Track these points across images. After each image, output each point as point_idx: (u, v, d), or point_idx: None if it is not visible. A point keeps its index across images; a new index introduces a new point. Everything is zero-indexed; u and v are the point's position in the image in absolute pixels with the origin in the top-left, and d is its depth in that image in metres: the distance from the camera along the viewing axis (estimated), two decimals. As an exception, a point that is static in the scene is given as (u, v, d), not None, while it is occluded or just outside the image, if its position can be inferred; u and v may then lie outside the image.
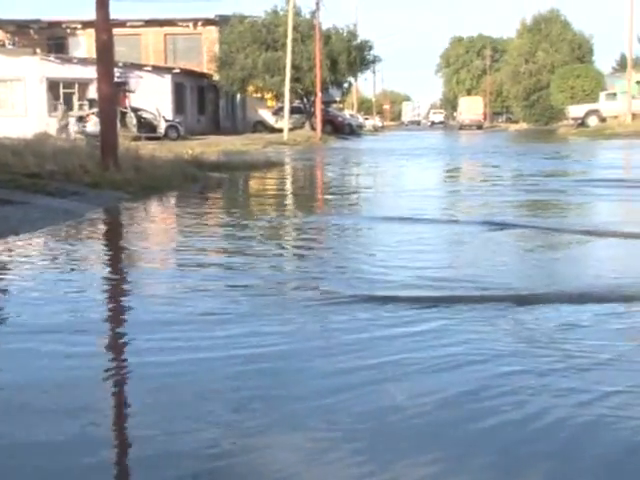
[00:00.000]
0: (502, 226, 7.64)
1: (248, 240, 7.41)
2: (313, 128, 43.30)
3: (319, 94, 42.43)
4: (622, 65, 62.30)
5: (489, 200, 10.61)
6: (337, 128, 48.02)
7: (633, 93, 47.23)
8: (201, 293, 4.98)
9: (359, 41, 48.52)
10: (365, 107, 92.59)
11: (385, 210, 9.65)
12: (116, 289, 5.42)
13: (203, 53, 47.37)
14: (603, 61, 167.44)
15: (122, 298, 5.15)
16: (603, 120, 45.97)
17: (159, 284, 5.50)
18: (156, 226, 9.23)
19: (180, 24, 47.08)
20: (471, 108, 69.98)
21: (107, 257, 6.89)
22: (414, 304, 4.47)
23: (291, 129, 39.22)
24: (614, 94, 49.61)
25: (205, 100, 45.89)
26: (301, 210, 10.18)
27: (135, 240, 7.87)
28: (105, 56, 12.84)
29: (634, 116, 43.58)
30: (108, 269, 6.26)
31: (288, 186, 14.40)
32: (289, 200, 12.18)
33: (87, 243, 7.58)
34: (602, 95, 50.15)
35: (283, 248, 7.29)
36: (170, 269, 6.29)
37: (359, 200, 11.55)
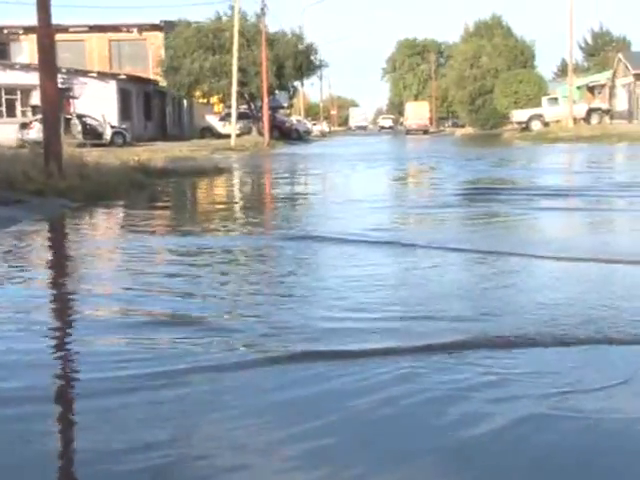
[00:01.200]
0: (441, 248, 6.71)
1: (184, 274, 6.05)
2: (260, 134, 43.27)
3: (266, 99, 42.44)
4: (563, 70, 63.66)
5: (434, 214, 9.54)
6: (285, 133, 48.09)
7: (574, 98, 48.26)
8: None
9: (305, 46, 48.66)
10: (312, 112, 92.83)
11: (329, 226, 8.63)
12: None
13: (149, 59, 47.03)
14: (545, 66, 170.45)
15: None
16: (546, 124, 46.86)
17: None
18: (86, 241, 8.35)
19: (125, 30, 46.67)
20: (417, 113, 70.67)
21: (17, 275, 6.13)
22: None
23: (238, 135, 39.14)
24: (556, 99, 50.63)
25: (152, 106, 45.52)
26: (247, 226, 9.08)
27: (53, 257, 7.17)
28: (48, 61, 12.67)
29: (575, 120, 44.51)
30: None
31: (235, 195, 13.96)
32: (234, 213, 11.19)
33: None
34: (544, 100, 51.13)
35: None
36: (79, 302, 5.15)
37: (306, 212, 10.76)
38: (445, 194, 11.82)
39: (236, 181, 17.32)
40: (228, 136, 38.38)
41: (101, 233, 9.32)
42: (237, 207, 12.15)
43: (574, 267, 5.93)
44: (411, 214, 9.95)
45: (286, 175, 19.06)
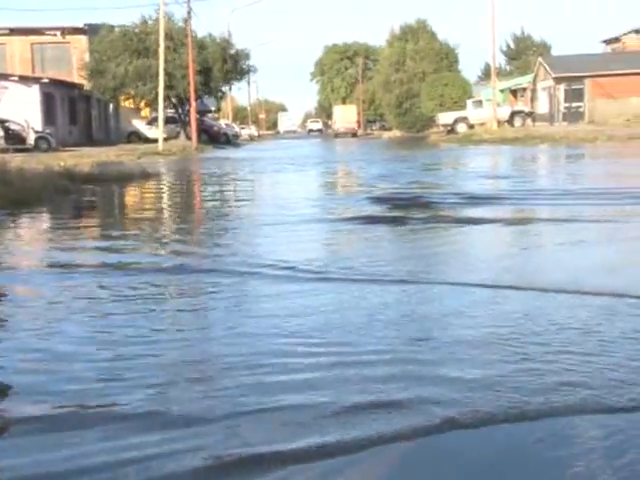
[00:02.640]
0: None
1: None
2: (188, 138, 43.02)
3: (193, 103, 42.22)
4: (487, 74, 64.97)
5: (356, 231, 8.32)
6: (213, 137, 47.90)
7: (498, 101, 49.34)
8: None
9: (233, 50, 48.57)
10: (241, 116, 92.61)
11: (252, 251, 7.27)
12: None
13: (73, 62, 46.23)
14: (469, 70, 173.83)
15: None
16: (471, 127, 47.75)
17: None
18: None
19: (47, 33, 45.76)
20: (345, 116, 71.20)
21: None
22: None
23: (166, 139, 38.83)
24: (480, 102, 51.67)
25: (77, 110, 44.76)
26: (163, 250, 7.57)
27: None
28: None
29: (499, 123, 45.50)
30: None
31: (160, 205, 13.18)
32: (156, 227, 9.56)
33: None
34: (469, 103, 52.11)
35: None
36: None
37: (230, 231, 8.92)
38: (371, 203, 10.91)
39: (162, 187, 16.82)
40: (156, 140, 38.04)
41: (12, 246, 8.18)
42: (158, 222, 10.53)
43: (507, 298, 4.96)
44: (336, 231, 8.58)
45: (214, 180, 18.92)
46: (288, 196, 12.70)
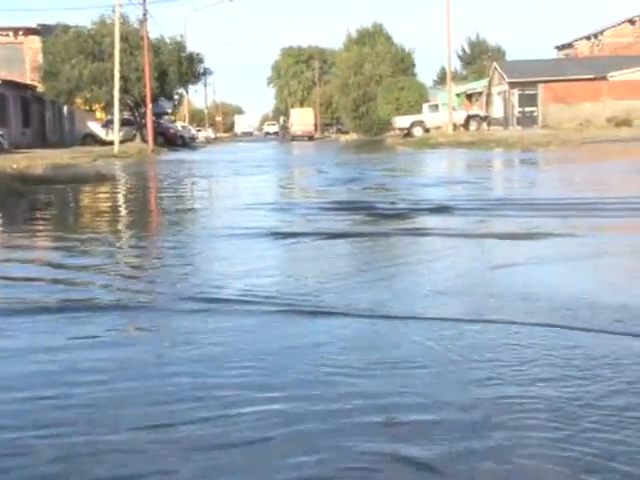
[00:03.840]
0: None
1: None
2: (144, 140, 42.69)
3: (149, 106, 41.91)
4: (443, 78, 65.55)
5: (315, 246, 7.52)
6: (169, 140, 47.57)
7: (453, 105, 49.82)
8: None
9: (189, 52, 48.36)
10: (197, 119, 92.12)
11: (205, 274, 6.19)
12: None
13: (26, 63, 45.56)
14: (425, 74, 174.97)
15: None
16: (427, 130, 48.17)
17: None
18: None
19: (0, 33, 45.08)
20: (302, 119, 71.27)
21: None
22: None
23: (122, 141, 38.51)
24: (436, 106, 52.12)
25: (30, 112, 44.13)
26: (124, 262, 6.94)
27: None
28: None
29: (455, 127, 45.96)
30: None
31: (111, 211, 12.58)
32: (100, 243, 8.23)
33: None
34: (425, 107, 52.54)
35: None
36: None
37: (185, 249, 7.77)
38: (324, 212, 10.13)
39: (115, 192, 16.32)
40: (111, 143, 37.70)
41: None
42: (138, 223, 10.32)
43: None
44: (286, 248, 7.60)
45: (167, 184, 18.55)
46: (240, 204, 11.75)
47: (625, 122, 42.71)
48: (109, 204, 13.90)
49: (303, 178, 19.63)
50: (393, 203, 10.77)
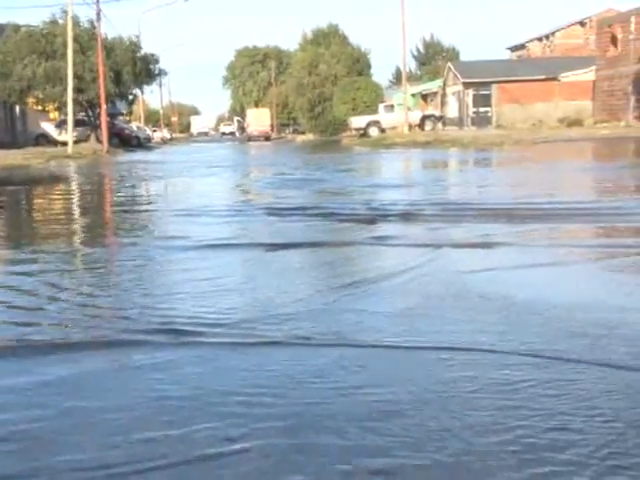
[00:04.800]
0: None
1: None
2: (99, 141, 42.30)
3: (104, 106, 41.52)
4: (398, 78, 66.04)
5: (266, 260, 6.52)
6: (124, 141, 47.19)
7: (409, 105, 50.21)
8: None
9: (144, 53, 48.03)
10: (153, 119, 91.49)
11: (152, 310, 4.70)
12: None
13: (-24, 63, 44.79)
14: (381, 74, 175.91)
15: None
16: (383, 130, 48.48)
17: None
18: None
19: (-51, 32, 44.30)
20: (259, 120, 71.18)
21: None
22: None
23: (76, 142, 38.09)
24: (392, 106, 52.50)
25: (-20, 112, 43.41)
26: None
27: None
28: None
29: (410, 127, 46.32)
30: None
31: (59, 216, 11.54)
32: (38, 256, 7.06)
33: None
34: (381, 107, 52.88)
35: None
36: None
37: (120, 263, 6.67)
38: (276, 220, 9.21)
39: (67, 194, 15.81)
40: (65, 143, 37.26)
41: None
42: (91, 227, 9.63)
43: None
44: (236, 261, 6.54)
45: (120, 186, 18.20)
46: (191, 208, 10.86)
47: (576, 122, 43.48)
48: (58, 207, 13.21)
49: (257, 180, 18.79)
50: (354, 209, 9.97)
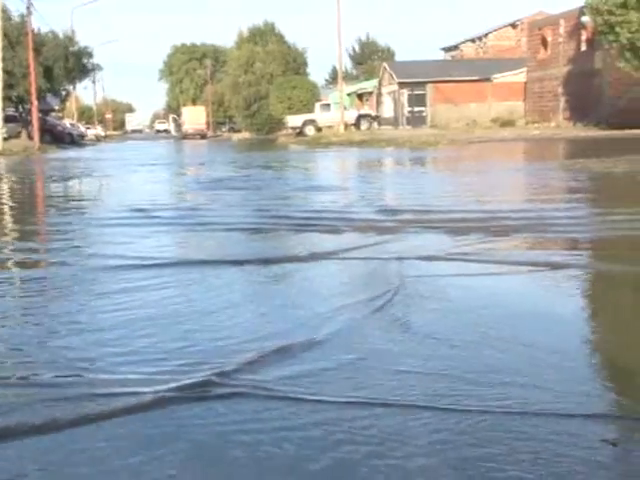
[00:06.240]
0: None
1: None
2: (31, 138, 41.45)
3: (35, 102, 40.71)
4: (334, 78, 66.31)
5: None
6: (57, 137, 46.35)
7: (345, 104, 50.51)
8: None
9: (77, 48, 47.24)
10: (86, 116, 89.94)
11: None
12: None
13: None
14: (317, 73, 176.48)
15: None
16: (319, 129, 48.65)
17: None
18: None
19: None
20: (194, 118, 70.70)
21: None
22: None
23: (6, 139, 37.26)
24: (328, 105, 52.73)
25: None
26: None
27: None
28: None
29: (346, 126, 46.60)
30: None
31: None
32: None
33: None
34: (317, 106, 53.05)
35: None
36: None
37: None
38: (216, 230, 8.21)
39: (16, 191, 15.34)
40: (-5, 140, 36.41)
41: None
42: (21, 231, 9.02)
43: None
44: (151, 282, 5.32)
45: (48, 185, 17.78)
46: (116, 216, 9.67)
47: (509, 122, 44.36)
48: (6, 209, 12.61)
49: (186, 183, 17.37)
50: (288, 217, 8.96)
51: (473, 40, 68.72)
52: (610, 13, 27.99)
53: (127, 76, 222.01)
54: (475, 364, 3.40)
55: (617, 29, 27.82)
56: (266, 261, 6.13)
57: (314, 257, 6.23)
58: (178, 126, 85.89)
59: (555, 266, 5.59)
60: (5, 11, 40.75)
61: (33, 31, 41.52)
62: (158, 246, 7.32)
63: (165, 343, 3.84)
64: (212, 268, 5.92)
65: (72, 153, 36.51)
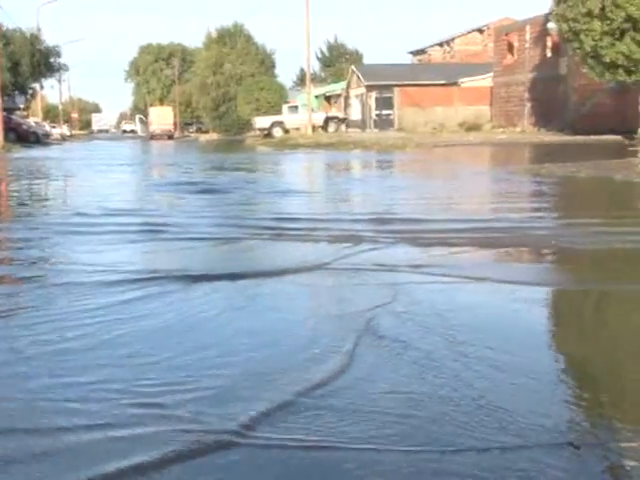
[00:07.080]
0: None
1: None
2: (-6, 136, 40.92)
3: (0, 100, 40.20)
4: (302, 79, 66.32)
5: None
6: (21, 136, 45.77)
7: (313, 106, 50.56)
8: None
9: (43, 46, 46.77)
10: (52, 115, 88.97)
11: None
12: None
13: None
14: (285, 75, 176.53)
15: None
16: (287, 131, 48.64)
17: None
18: None
19: None
20: (161, 118, 70.26)
21: None
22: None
23: (-31, 137, 36.78)
24: (296, 107, 52.73)
25: None
26: None
27: None
28: None
29: (314, 128, 46.63)
30: None
31: None
32: None
33: None
34: (285, 108, 53.04)
35: None
36: None
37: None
38: (182, 241, 7.38)
39: None
40: (-43, 139, 35.91)
41: None
42: None
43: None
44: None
45: (15, 189, 17.56)
46: (78, 221, 9.03)
47: (475, 127, 44.69)
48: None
49: (145, 185, 16.84)
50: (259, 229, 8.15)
51: (441, 44, 69.16)
52: (575, 21, 28.30)
53: (94, 76, 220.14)
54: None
55: (581, 37, 28.14)
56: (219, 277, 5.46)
57: (284, 272, 5.68)
58: (145, 126, 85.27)
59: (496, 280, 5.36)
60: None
61: (0, 27, 41.04)
62: (97, 258, 6.44)
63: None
64: (158, 285, 5.12)
65: (36, 152, 36.09)
